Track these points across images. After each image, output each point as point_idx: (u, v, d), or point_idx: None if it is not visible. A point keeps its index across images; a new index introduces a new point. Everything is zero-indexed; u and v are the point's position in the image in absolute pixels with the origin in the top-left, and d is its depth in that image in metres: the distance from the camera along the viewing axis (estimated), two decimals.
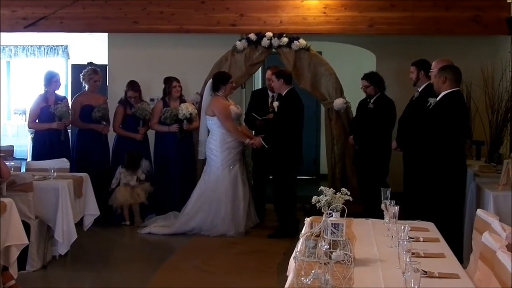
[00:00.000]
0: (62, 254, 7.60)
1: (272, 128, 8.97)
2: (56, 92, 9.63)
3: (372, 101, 9.13)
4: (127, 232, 9.31)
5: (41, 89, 9.55)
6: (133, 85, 9.77)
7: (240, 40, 10.05)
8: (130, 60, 10.75)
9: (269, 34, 9.94)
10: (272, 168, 9.09)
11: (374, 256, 4.36)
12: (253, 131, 9.72)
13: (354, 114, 9.87)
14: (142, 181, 9.60)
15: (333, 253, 3.89)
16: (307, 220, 5.06)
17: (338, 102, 9.77)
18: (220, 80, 9.19)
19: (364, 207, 8.61)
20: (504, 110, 9.25)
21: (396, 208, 4.91)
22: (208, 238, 8.91)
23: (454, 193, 6.86)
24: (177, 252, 8.30)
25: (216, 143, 9.08)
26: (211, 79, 9.32)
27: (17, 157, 11.28)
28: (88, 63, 11.75)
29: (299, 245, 4.18)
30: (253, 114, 9.56)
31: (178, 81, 9.78)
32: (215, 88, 9.15)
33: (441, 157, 6.84)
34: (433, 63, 7.70)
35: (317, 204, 4.34)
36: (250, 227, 9.30)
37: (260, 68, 11.38)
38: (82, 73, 9.80)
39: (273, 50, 10.08)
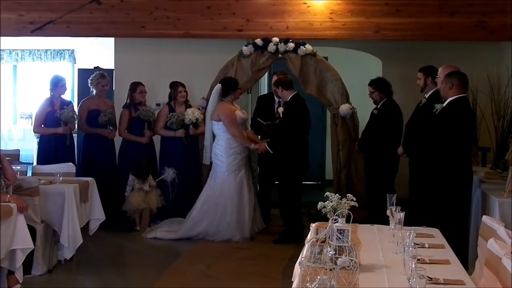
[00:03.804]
0: (68, 258, 7.62)
1: (277, 133, 8.98)
2: (62, 96, 9.64)
3: (378, 107, 9.16)
4: (132, 237, 9.29)
5: (47, 94, 9.56)
6: (137, 84, 9.78)
7: (246, 45, 10.05)
8: (137, 65, 10.75)
9: (276, 39, 9.94)
10: (278, 173, 9.09)
11: (379, 262, 4.36)
12: (259, 136, 9.74)
13: (360, 119, 9.87)
14: (153, 187, 9.60)
15: (339, 259, 3.89)
16: (313, 225, 5.07)
17: (344, 108, 9.77)
18: (230, 86, 9.22)
19: (371, 213, 8.60)
20: (510, 117, 9.26)
21: (402, 214, 4.91)
22: (213, 243, 8.91)
23: (459, 199, 6.85)
24: (182, 257, 8.31)
25: (222, 148, 9.09)
26: (218, 84, 9.32)
27: (23, 161, 11.32)
28: (94, 67, 11.79)
29: (305, 251, 4.19)
30: (258, 119, 9.59)
31: (183, 86, 9.80)
32: (224, 94, 9.17)
33: (447, 163, 6.83)
34: (439, 69, 7.69)
35: (322, 210, 4.34)
36: (256, 232, 9.30)
37: (266, 74, 11.40)
38: (90, 78, 9.81)
39: (280, 55, 10.07)
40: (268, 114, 9.58)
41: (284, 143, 8.87)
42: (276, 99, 9.69)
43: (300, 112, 8.89)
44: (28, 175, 8.33)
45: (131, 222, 9.56)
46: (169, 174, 9.59)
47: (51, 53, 16.10)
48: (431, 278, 3.89)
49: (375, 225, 5.57)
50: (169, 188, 9.65)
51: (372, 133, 9.15)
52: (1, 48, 14.87)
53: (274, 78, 9.54)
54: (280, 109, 9.17)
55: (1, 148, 11.98)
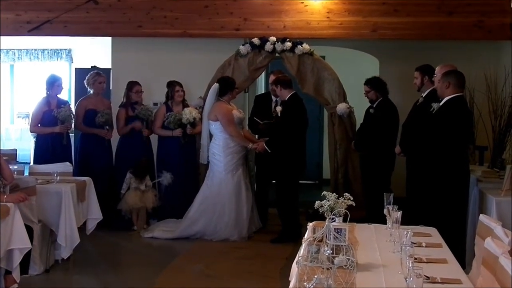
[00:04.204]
0: (65, 258, 7.62)
1: (275, 132, 8.98)
2: (59, 96, 9.62)
3: (374, 106, 9.16)
4: (130, 236, 9.28)
5: (43, 93, 9.55)
6: (134, 83, 9.78)
7: (243, 45, 10.03)
8: (134, 64, 10.75)
9: (273, 38, 9.93)
10: (275, 172, 9.09)
11: (376, 261, 4.36)
12: (256, 135, 9.74)
13: (357, 119, 9.87)
14: (149, 187, 9.59)
15: (336, 258, 3.89)
16: (310, 225, 5.07)
17: (341, 107, 9.76)
18: (227, 85, 9.23)
19: (368, 212, 8.60)
20: (507, 116, 9.27)
21: (399, 213, 4.91)
22: (211, 242, 8.92)
23: (456, 198, 6.85)
24: (180, 256, 8.31)
25: (219, 148, 9.09)
26: (216, 84, 9.32)
27: (20, 161, 11.28)
28: (91, 66, 11.79)
29: (302, 250, 4.19)
30: (254, 118, 9.59)
31: (180, 85, 9.79)
32: (221, 93, 9.17)
33: (444, 162, 6.83)
34: (436, 68, 7.70)
35: (320, 209, 4.33)
36: (253, 231, 9.30)
37: (263, 73, 11.39)
38: (86, 78, 9.77)
39: (277, 54, 10.06)
40: (266, 113, 9.57)
41: (282, 142, 8.87)
42: (274, 98, 9.68)
43: (298, 111, 8.88)
44: (25, 174, 8.32)
45: (128, 221, 9.54)
46: (166, 178, 9.58)
47: (48, 52, 16.11)
48: (428, 277, 3.90)
49: (372, 224, 5.57)
50: (163, 191, 9.64)
51: (368, 132, 9.15)
52: None
53: (272, 77, 9.53)
54: (278, 108, 9.16)
55: None
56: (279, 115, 9.08)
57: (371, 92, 9.16)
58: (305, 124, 9.02)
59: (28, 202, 6.72)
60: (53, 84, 9.46)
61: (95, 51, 14.14)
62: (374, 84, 9.17)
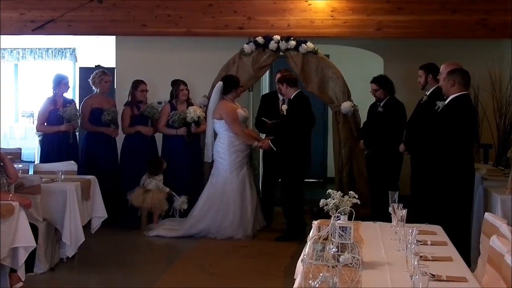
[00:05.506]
0: (70, 256, 7.63)
1: (281, 130, 8.97)
2: (64, 95, 9.63)
3: (381, 104, 9.14)
4: (134, 234, 9.28)
5: (49, 92, 9.55)
6: (139, 82, 9.79)
7: (247, 43, 10.04)
8: (138, 63, 10.75)
9: (277, 37, 9.93)
10: (281, 170, 9.08)
11: (382, 259, 4.36)
12: (264, 135, 9.74)
13: (361, 117, 9.86)
14: (154, 190, 9.58)
15: (341, 256, 3.89)
16: (315, 223, 5.07)
17: (345, 106, 9.76)
18: (231, 84, 9.23)
19: (373, 210, 8.59)
20: (511, 114, 9.25)
21: (404, 211, 4.90)
22: (216, 241, 8.92)
23: (461, 196, 6.84)
24: (184, 255, 8.31)
25: (224, 146, 9.09)
26: (220, 82, 9.32)
27: (24, 160, 11.30)
28: (96, 66, 11.78)
29: (307, 248, 4.18)
30: (262, 118, 9.55)
31: (185, 84, 9.79)
32: (226, 92, 9.17)
33: (448, 160, 6.83)
34: (441, 67, 7.68)
35: (325, 207, 4.34)
36: (257, 230, 9.29)
37: (267, 71, 11.39)
38: (91, 77, 9.77)
39: (281, 53, 10.06)
40: (273, 112, 9.52)
41: (287, 140, 8.86)
42: (280, 97, 9.67)
43: (304, 110, 8.88)
44: (30, 173, 8.33)
45: (136, 219, 9.52)
46: (178, 202, 9.55)
47: (52, 51, 16.14)
48: (433, 275, 3.89)
49: (377, 222, 5.57)
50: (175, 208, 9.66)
51: (376, 130, 9.12)
52: (3, 47, 14.88)
53: (278, 75, 9.51)
54: (284, 107, 9.14)
55: (3, 147, 11.97)
56: (285, 113, 9.07)
57: (379, 90, 9.15)
58: (311, 122, 9.01)
59: (33, 201, 6.73)
60: (60, 82, 9.46)
61: (99, 50, 14.15)
62: (382, 82, 9.16)
